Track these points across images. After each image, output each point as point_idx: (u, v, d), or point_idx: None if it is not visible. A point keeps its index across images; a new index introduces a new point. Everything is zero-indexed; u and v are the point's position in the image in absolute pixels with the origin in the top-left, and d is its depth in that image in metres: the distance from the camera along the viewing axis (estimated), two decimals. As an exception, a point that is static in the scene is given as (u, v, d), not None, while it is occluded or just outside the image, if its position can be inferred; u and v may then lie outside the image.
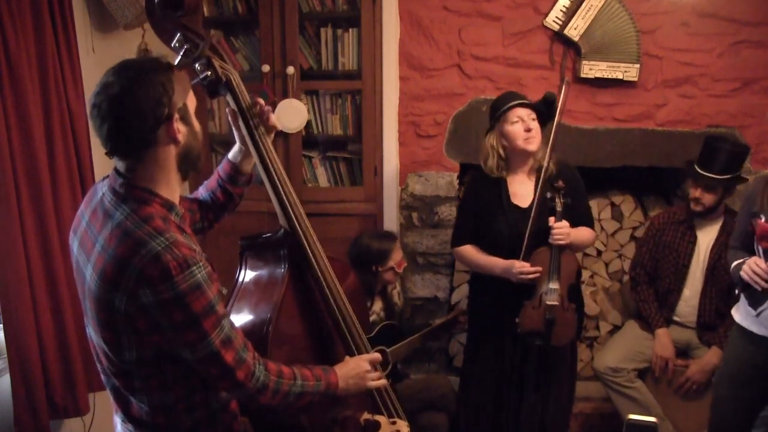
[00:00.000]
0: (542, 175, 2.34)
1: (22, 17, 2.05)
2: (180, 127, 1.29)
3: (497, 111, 2.42)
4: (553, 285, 2.33)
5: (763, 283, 2.03)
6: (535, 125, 2.37)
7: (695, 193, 2.73)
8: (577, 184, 2.46)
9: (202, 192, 1.72)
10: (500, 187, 2.45)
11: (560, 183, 2.34)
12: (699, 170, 2.70)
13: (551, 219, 2.31)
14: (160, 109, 1.24)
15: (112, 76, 1.25)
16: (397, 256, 2.70)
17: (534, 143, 2.37)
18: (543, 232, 2.33)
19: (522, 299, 2.38)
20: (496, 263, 2.42)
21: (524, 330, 2.37)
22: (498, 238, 2.43)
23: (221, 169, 1.71)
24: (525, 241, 2.33)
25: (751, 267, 2.06)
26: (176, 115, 1.27)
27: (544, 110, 2.39)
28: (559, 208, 2.31)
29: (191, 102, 1.34)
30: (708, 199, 2.71)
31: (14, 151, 2.03)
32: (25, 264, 2.08)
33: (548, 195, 2.33)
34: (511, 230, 2.39)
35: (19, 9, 2.04)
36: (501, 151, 2.44)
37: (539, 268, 2.32)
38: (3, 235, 2.03)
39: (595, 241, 2.58)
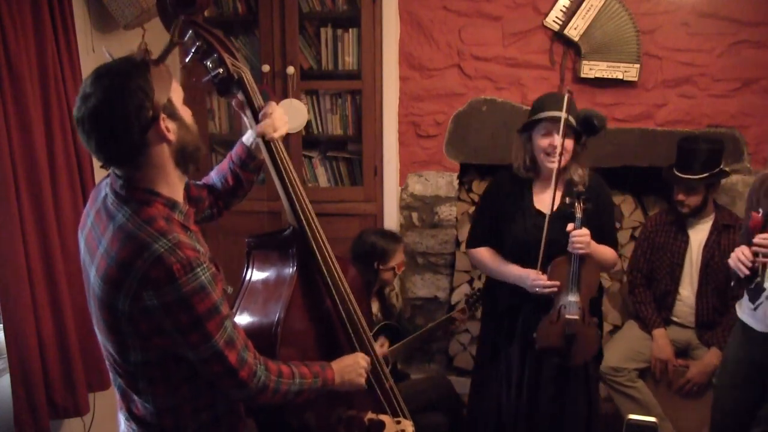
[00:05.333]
0: (556, 180, 2.17)
1: (22, 17, 2.04)
2: (169, 125, 1.26)
3: (532, 115, 2.26)
4: (573, 298, 2.15)
5: (744, 269, 2.03)
6: (566, 142, 2.17)
7: (679, 196, 2.75)
8: (604, 199, 2.32)
9: (213, 176, 1.70)
10: (524, 190, 2.31)
11: (580, 187, 2.17)
12: (678, 173, 2.71)
13: (570, 225, 2.13)
14: (143, 114, 1.21)
15: (89, 87, 1.21)
16: (399, 257, 2.69)
17: (557, 161, 2.17)
18: (563, 241, 2.16)
19: (537, 311, 2.23)
20: (511, 271, 2.28)
21: (542, 346, 2.21)
22: (515, 243, 2.29)
23: (234, 152, 1.69)
24: (542, 250, 2.17)
25: (737, 254, 2.06)
26: (162, 115, 1.24)
27: (579, 130, 2.20)
28: (578, 214, 2.12)
29: (176, 94, 1.30)
30: (692, 200, 2.73)
31: (14, 151, 2.03)
32: (25, 264, 2.07)
33: (567, 200, 2.16)
34: (529, 236, 2.24)
35: (19, 9, 2.03)
36: (527, 157, 2.29)
37: (557, 282, 2.17)
38: (3, 235, 2.02)
39: (616, 264, 2.39)
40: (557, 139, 2.15)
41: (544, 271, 2.20)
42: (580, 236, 2.13)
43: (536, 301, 2.25)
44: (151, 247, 1.21)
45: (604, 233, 2.27)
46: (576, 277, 2.16)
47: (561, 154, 2.18)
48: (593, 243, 2.19)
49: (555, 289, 2.18)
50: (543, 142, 2.21)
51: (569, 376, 2.35)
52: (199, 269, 1.23)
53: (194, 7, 1.47)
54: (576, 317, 2.16)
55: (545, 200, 2.26)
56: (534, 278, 2.19)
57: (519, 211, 2.29)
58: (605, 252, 2.27)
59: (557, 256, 2.19)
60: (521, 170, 2.31)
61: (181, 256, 1.21)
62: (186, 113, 1.33)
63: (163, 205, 1.30)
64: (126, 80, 1.21)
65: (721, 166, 2.75)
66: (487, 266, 2.40)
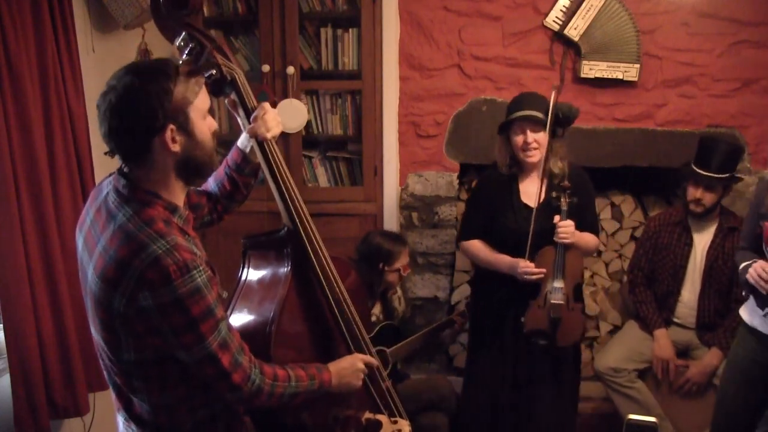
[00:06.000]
0: (542, 175, 2.33)
1: (22, 17, 2.04)
2: (177, 137, 1.27)
3: (507, 115, 2.40)
4: (558, 284, 2.32)
5: (767, 287, 2.04)
6: (538, 137, 2.34)
7: (696, 193, 2.72)
8: (585, 190, 2.47)
9: (210, 183, 1.71)
10: (511, 185, 2.47)
11: (566, 183, 2.33)
12: (698, 170, 2.69)
13: (556, 217, 2.31)
14: (152, 120, 1.23)
15: (116, 80, 1.25)
16: (404, 259, 2.71)
17: (534, 156, 2.36)
18: (549, 232, 2.32)
19: (526, 298, 2.37)
20: (502, 260, 2.43)
21: (529, 330, 2.36)
22: (505, 235, 2.43)
23: (229, 157, 1.69)
24: (529, 240, 2.32)
25: (757, 271, 2.06)
26: (171, 126, 1.25)
27: (546, 122, 2.33)
28: (564, 207, 2.30)
29: (199, 107, 1.31)
30: (709, 198, 2.70)
31: (14, 151, 2.03)
32: (25, 264, 2.07)
33: (554, 194, 2.33)
34: (519, 228, 2.38)
35: (19, 9, 2.03)
36: (508, 155, 2.45)
37: (543, 270, 2.32)
38: (3, 235, 2.02)
39: (597, 248, 2.66)
40: (530, 135, 2.34)
41: (532, 259, 2.34)
42: (564, 227, 2.30)
43: (522, 291, 2.38)
44: (149, 248, 1.22)
45: (586, 222, 2.44)
46: (561, 265, 2.33)
47: (549, 151, 2.35)
48: (577, 232, 2.34)
49: (542, 275, 2.33)
50: (518, 139, 2.38)
51: (561, 369, 2.46)
52: (195, 272, 1.24)
53: (187, 8, 1.47)
54: (561, 302, 2.33)
55: (530, 193, 2.43)
56: (523, 266, 2.33)
57: (508, 205, 2.45)
58: (587, 239, 2.44)
59: (544, 246, 2.34)
60: (504, 168, 2.47)
61: (178, 258, 1.22)
62: (203, 127, 1.33)
63: (164, 208, 1.31)
64: (147, 84, 1.23)
65: (735, 172, 2.74)
66: (480, 257, 2.55)
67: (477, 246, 2.54)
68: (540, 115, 2.33)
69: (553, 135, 2.35)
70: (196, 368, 1.31)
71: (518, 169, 2.47)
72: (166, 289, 1.21)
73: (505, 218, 2.44)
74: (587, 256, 2.56)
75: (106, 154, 1.30)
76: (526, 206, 2.41)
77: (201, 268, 1.26)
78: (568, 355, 2.51)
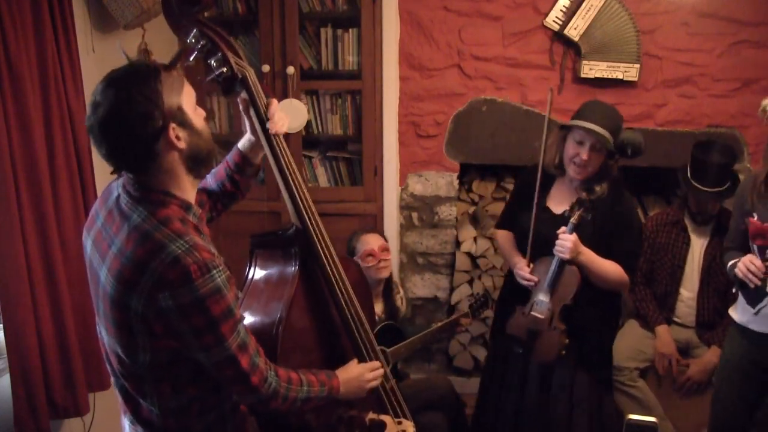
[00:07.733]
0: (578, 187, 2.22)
1: (22, 17, 2.04)
2: (179, 133, 1.26)
3: (573, 118, 2.23)
4: (543, 297, 2.24)
5: (756, 281, 2.03)
6: (594, 156, 2.17)
7: (700, 205, 2.76)
8: (621, 217, 2.26)
9: (210, 182, 1.71)
10: (545, 187, 2.35)
11: (584, 195, 2.17)
12: (697, 185, 2.70)
13: (562, 229, 2.17)
14: (151, 124, 1.21)
15: (99, 96, 1.21)
16: (362, 247, 2.59)
17: (582, 174, 2.21)
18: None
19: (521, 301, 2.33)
20: (511, 258, 2.43)
21: (509, 333, 2.33)
22: (519, 231, 2.39)
23: (230, 159, 1.69)
24: (529, 243, 2.28)
25: (745, 264, 2.05)
26: (171, 123, 1.24)
27: (615, 152, 2.19)
28: (573, 220, 2.14)
29: (188, 99, 1.30)
30: (713, 207, 2.76)
31: (14, 151, 2.02)
32: (25, 264, 2.07)
33: (568, 206, 2.19)
34: (534, 230, 2.28)
35: (19, 9, 2.03)
36: (557, 155, 2.30)
37: (534, 278, 2.25)
38: (3, 235, 2.02)
39: (624, 285, 2.29)
40: (587, 153, 2.16)
41: (534, 263, 2.29)
42: (563, 240, 2.15)
43: (522, 293, 2.32)
44: (168, 248, 1.21)
45: (615, 252, 2.23)
46: (552, 280, 2.21)
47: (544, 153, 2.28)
48: (590, 254, 2.19)
49: (532, 283, 2.27)
50: (571, 149, 2.22)
51: (566, 379, 2.36)
52: (215, 271, 1.23)
53: (200, 5, 1.47)
54: (541, 316, 2.24)
55: (557, 199, 2.34)
56: (519, 268, 2.31)
57: (531, 203, 2.32)
58: (606, 267, 2.22)
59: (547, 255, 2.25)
60: (550, 166, 2.32)
61: (198, 257, 1.21)
62: (197, 118, 1.32)
63: (179, 207, 1.30)
64: (134, 90, 1.20)
65: (735, 176, 2.74)
66: (501, 247, 2.56)
67: (502, 236, 2.54)
68: (610, 139, 2.13)
69: (609, 157, 2.21)
70: (215, 370, 1.30)
71: (559, 172, 2.33)
72: (186, 289, 1.20)
73: (522, 215, 2.35)
74: (607, 287, 2.27)
75: (112, 173, 1.29)
76: (548, 210, 2.33)
77: (220, 267, 1.25)
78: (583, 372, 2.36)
